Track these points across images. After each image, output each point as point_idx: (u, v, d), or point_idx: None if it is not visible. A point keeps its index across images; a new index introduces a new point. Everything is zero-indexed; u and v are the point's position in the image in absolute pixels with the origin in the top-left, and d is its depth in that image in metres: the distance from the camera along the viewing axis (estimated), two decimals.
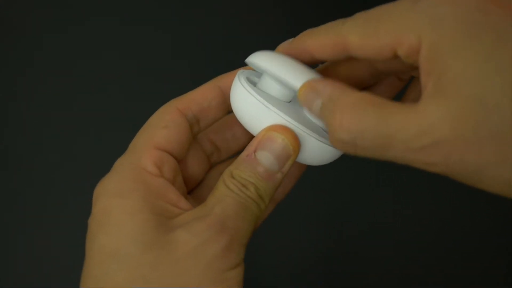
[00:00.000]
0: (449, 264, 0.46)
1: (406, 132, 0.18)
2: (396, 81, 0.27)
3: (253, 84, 0.25)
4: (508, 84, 0.17)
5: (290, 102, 0.25)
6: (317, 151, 0.23)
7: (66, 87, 0.52)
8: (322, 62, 0.25)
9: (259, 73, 0.25)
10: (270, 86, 0.24)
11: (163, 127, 0.24)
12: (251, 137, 0.24)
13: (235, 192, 0.22)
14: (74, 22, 0.55)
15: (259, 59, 0.23)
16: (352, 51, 0.21)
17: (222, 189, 0.22)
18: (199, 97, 0.25)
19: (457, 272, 0.46)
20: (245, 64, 0.26)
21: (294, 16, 0.57)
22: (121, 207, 0.21)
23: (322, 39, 0.22)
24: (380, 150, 0.19)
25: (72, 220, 0.46)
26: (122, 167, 0.23)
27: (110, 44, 0.54)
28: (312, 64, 0.24)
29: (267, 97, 0.23)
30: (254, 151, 0.22)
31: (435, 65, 0.18)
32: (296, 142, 0.23)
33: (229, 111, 0.26)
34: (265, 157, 0.22)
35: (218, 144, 0.27)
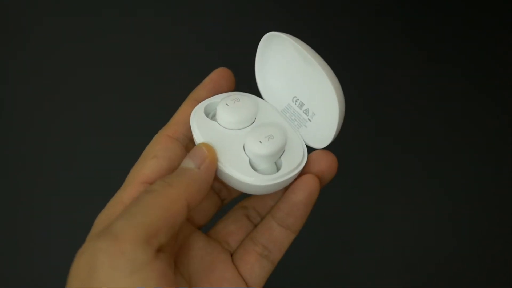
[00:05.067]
0: (449, 264, 0.46)
1: None
2: None
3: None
4: None
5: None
6: (232, 181, 0.25)
7: (68, 88, 0.52)
8: None
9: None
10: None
11: (152, 158, 0.25)
12: None
13: (138, 196, 0.23)
14: (79, 24, 0.55)
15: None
16: None
17: None
18: (183, 117, 0.26)
19: (457, 272, 0.46)
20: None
21: (294, 16, 0.57)
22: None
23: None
24: None
25: (72, 220, 0.46)
26: (110, 202, 0.24)
27: (114, 46, 0.54)
28: None
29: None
30: None
31: None
32: (212, 150, 0.24)
33: None
34: (182, 163, 0.24)
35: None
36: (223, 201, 0.29)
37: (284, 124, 0.27)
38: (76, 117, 0.51)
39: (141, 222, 0.20)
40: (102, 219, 0.24)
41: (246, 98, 0.26)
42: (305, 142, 0.27)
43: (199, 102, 0.26)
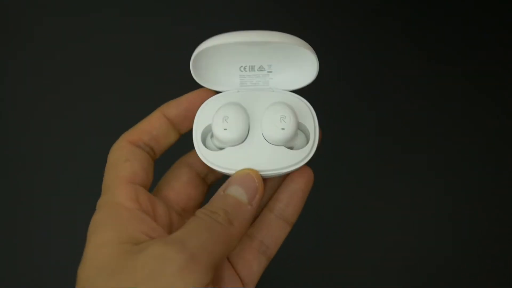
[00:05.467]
0: (449, 263, 0.46)
1: None
2: None
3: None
4: None
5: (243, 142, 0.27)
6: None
7: (68, 89, 0.52)
8: None
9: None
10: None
11: (124, 161, 0.25)
12: None
13: (201, 218, 0.23)
14: (79, 24, 0.55)
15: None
16: None
17: (190, 219, 0.23)
18: (147, 127, 0.27)
19: (457, 272, 0.46)
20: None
21: (295, 16, 0.57)
22: (93, 242, 0.23)
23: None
24: None
25: (72, 220, 0.46)
26: (100, 206, 0.25)
27: (114, 46, 0.54)
28: None
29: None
30: (223, 190, 0.25)
31: None
32: (260, 179, 0.25)
33: (181, 134, 0.28)
34: (234, 190, 0.25)
35: None
36: (210, 185, 0.29)
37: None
38: (76, 117, 0.51)
39: (210, 251, 0.22)
40: (98, 222, 0.24)
41: (231, 111, 0.26)
42: (290, 87, 0.28)
43: (167, 116, 0.27)
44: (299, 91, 0.28)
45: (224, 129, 0.26)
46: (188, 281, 0.20)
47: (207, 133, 0.28)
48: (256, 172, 0.25)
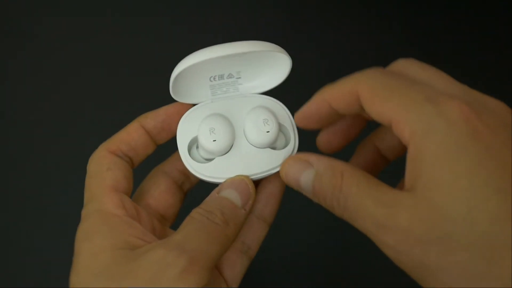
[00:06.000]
0: None
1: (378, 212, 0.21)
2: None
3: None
4: (478, 204, 0.18)
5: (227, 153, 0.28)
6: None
7: (67, 89, 0.52)
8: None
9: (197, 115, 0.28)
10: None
11: (107, 170, 0.26)
12: None
13: (198, 219, 0.24)
14: (79, 24, 0.55)
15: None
16: (361, 100, 0.23)
17: (186, 221, 0.24)
18: (126, 138, 0.27)
19: None
20: None
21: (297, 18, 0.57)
22: (87, 249, 0.23)
23: (339, 87, 0.24)
24: (353, 219, 0.22)
25: (71, 220, 0.46)
26: (88, 215, 0.25)
27: (114, 46, 0.54)
28: (328, 118, 0.26)
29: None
30: (218, 192, 0.26)
31: (415, 166, 0.21)
32: (253, 186, 0.26)
33: (158, 144, 0.29)
34: (229, 193, 0.25)
35: (186, 171, 0.29)
36: (186, 192, 0.30)
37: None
38: (76, 117, 0.51)
39: (208, 252, 0.22)
40: (90, 230, 0.24)
41: (216, 122, 0.27)
42: (259, 90, 0.28)
43: (145, 128, 0.27)
44: (269, 93, 0.29)
45: (213, 140, 0.26)
46: (189, 283, 0.21)
47: (192, 146, 0.28)
48: (249, 178, 0.26)
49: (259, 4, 0.58)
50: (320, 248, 0.47)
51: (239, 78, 0.28)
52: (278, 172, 0.28)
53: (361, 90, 0.23)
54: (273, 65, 0.28)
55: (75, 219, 0.45)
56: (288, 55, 0.27)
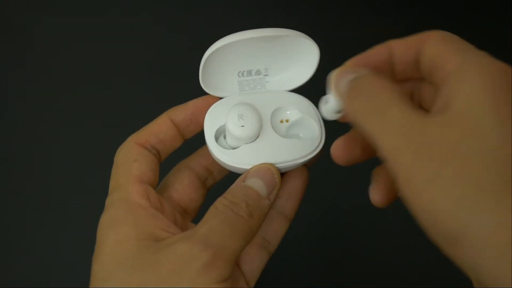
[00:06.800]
0: (449, 263, 0.46)
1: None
2: None
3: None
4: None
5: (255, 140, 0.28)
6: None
7: (68, 89, 0.52)
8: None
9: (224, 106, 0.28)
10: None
11: (134, 161, 0.26)
12: None
13: (223, 212, 0.24)
14: (79, 24, 0.55)
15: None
16: (425, 45, 0.22)
17: (211, 211, 0.24)
18: (155, 130, 0.28)
19: (457, 272, 0.46)
20: None
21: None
22: (112, 237, 0.23)
23: (407, 38, 0.24)
24: (378, 114, 0.20)
25: (71, 220, 0.46)
26: (114, 203, 0.25)
27: (115, 46, 0.54)
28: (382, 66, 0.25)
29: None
30: (243, 181, 0.26)
31: (453, 87, 0.20)
32: (279, 175, 0.26)
33: (185, 139, 0.29)
34: (254, 182, 0.25)
35: (210, 167, 0.29)
36: (209, 188, 0.30)
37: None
38: (76, 116, 0.51)
39: (232, 246, 0.23)
40: (115, 218, 0.24)
41: (245, 109, 0.27)
42: (286, 88, 0.29)
43: (173, 121, 0.28)
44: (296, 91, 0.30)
45: (242, 126, 0.27)
46: (212, 276, 0.21)
47: (219, 136, 0.28)
48: (275, 167, 0.26)
49: (259, 3, 0.58)
50: (320, 248, 0.47)
51: (266, 75, 0.29)
52: (301, 167, 0.28)
53: (430, 35, 0.22)
54: (300, 61, 0.28)
55: (75, 219, 0.45)
56: (316, 46, 0.27)
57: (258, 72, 0.29)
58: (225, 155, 0.27)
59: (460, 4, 0.58)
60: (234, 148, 0.27)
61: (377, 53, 0.24)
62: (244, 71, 0.29)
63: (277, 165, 0.27)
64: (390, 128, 0.19)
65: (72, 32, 0.55)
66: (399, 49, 0.24)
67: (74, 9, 0.56)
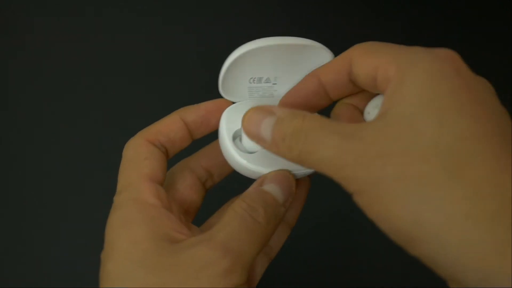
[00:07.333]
0: None
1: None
2: None
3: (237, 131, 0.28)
4: (449, 122, 0.18)
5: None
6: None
7: (67, 89, 0.52)
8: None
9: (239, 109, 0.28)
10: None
11: (144, 159, 0.26)
12: None
13: (242, 216, 0.23)
14: (79, 24, 0.55)
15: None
16: (353, 61, 0.23)
17: (230, 215, 0.24)
18: (165, 129, 0.27)
19: None
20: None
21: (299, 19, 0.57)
22: (126, 237, 0.23)
23: (331, 62, 0.25)
24: (311, 152, 0.21)
25: (71, 220, 0.46)
26: (124, 202, 0.24)
27: (112, 43, 0.54)
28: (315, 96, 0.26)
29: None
30: (260, 185, 0.25)
31: (395, 91, 0.20)
32: (295, 183, 0.26)
33: (193, 139, 0.29)
34: (272, 188, 0.25)
35: (211, 169, 0.29)
36: (207, 189, 0.30)
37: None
38: (76, 117, 0.51)
39: (250, 252, 0.23)
40: (127, 217, 0.24)
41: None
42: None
43: (184, 121, 0.27)
44: None
45: None
46: (230, 282, 0.22)
47: (234, 139, 0.28)
48: (292, 175, 0.26)
49: (259, 3, 0.58)
50: (319, 248, 0.47)
51: (275, 84, 0.29)
52: (304, 178, 0.28)
53: (354, 52, 0.23)
54: (311, 70, 0.28)
55: (75, 219, 0.45)
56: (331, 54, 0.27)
57: (267, 80, 0.29)
58: (243, 159, 0.27)
59: (460, 4, 0.58)
60: (250, 153, 0.27)
61: (305, 86, 0.25)
62: (255, 78, 0.29)
63: (294, 172, 0.26)
64: (330, 151, 0.20)
65: (72, 32, 0.55)
66: (326, 77, 0.25)
67: (74, 9, 0.56)
